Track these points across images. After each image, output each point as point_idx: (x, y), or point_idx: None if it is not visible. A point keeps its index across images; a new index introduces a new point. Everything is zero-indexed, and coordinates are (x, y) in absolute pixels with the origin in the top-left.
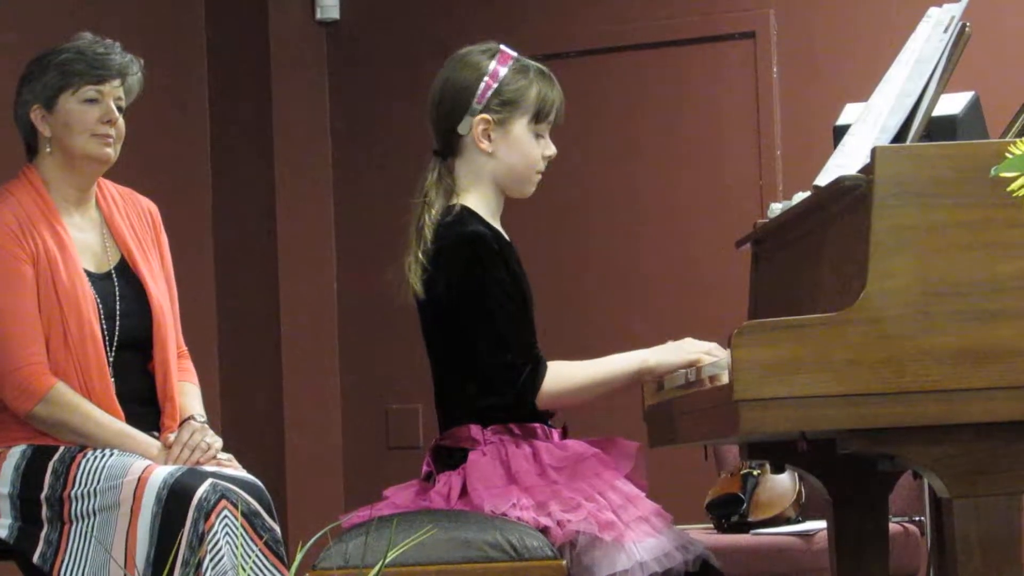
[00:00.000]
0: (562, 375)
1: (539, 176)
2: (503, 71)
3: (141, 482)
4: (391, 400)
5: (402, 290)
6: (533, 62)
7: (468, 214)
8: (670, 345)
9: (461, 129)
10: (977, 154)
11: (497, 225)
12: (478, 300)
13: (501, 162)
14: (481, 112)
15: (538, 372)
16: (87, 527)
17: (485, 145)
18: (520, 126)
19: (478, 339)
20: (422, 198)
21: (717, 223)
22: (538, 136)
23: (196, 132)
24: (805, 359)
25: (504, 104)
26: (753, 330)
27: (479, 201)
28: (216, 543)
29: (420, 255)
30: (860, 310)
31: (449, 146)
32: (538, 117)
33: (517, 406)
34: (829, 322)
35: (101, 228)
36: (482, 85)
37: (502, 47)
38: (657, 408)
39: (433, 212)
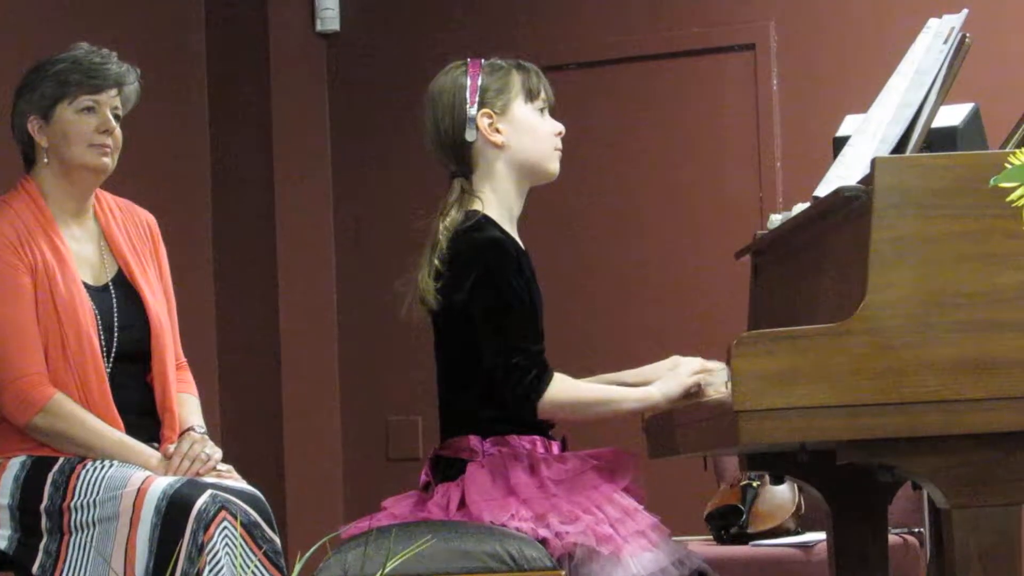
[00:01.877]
0: (567, 387)
1: (559, 152)
2: (479, 73)
3: (141, 493)
4: (391, 411)
5: (406, 303)
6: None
7: (486, 221)
8: (668, 377)
9: (469, 136)
10: (977, 165)
11: (514, 233)
12: (491, 305)
13: (516, 149)
14: (479, 111)
15: (543, 377)
16: (86, 538)
17: (497, 138)
18: (519, 107)
19: (487, 342)
20: (439, 215)
21: (717, 234)
22: (541, 112)
23: (196, 143)
24: (805, 370)
25: (496, 94)
26: (753, 341)
27: (498, 206)
28: (215, 554)
29: (435, 260)
30: (860, 321)
31: (464, 162)
32: (530, 95)
33: (518, 413)
34: (829, 333)
35: (99, 240)
36: (467, 92)
37: (469, 59)
38: (657, 419)
39: (448, 221)
